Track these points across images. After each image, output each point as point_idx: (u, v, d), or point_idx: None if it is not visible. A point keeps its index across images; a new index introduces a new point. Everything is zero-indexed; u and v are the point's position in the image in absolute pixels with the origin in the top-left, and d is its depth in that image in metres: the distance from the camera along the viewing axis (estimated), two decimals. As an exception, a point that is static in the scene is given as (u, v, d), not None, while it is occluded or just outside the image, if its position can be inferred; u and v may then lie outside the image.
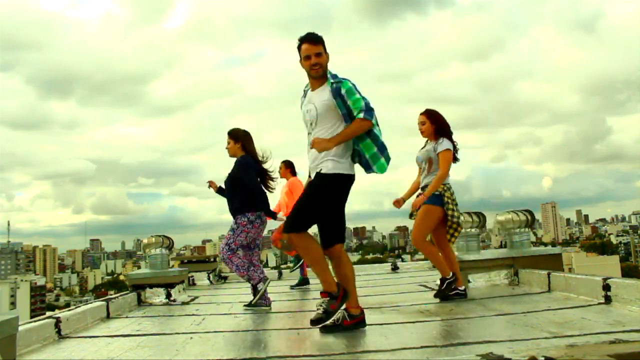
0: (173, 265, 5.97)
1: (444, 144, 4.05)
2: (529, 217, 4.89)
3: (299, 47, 3.04)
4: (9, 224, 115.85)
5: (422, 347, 2.51)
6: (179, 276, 5.14)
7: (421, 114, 4.20)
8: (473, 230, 4.95)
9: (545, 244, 70.26)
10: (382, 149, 3.05)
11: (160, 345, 2.95)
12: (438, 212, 4.00)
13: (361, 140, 3.01)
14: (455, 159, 4.14)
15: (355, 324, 3.00)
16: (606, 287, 3.22)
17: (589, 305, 3.24)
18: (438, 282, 4.12)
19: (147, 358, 2.65)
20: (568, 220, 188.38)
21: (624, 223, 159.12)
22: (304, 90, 3.23)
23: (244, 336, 3.12)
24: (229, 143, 4.51)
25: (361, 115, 2.91)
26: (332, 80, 3.01)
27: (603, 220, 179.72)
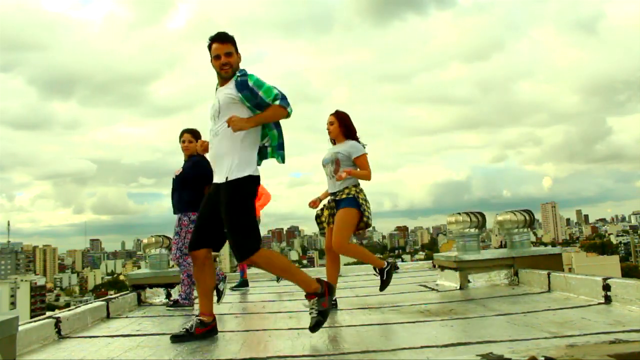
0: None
1: (359, 148, 3.99)
2: (529, 217, 4.89)
3: (209, 47, 3.01)
4: (9, 224, 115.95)
5: (422, 347, 2.51)
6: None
7: (331, 114, 4.14)
8: (473, 230, 4.95)
9: (545, 244, 70.29)
10: (281, 147, 3.08)
11: (160, 345, 2.95)
12: (357, 215, 3.92)
13: (269, 129, 3.04)
14: None
15: (207, 332, 3.00)
16: (606, 287, 3.22)
17: (589, 305, 3.24)
18: (379, 274, 4.04)
19: (147, 358, 2.65)
20: (568, 220, 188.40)
21: (624, 223, 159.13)
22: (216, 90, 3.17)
23: (244, 336, 3.12)
24: (190, 142, 4.51)
25: (277, 102, 2.90)
26: (237, 74, 2.98)
27: (603, 220, 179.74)
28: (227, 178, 2.89)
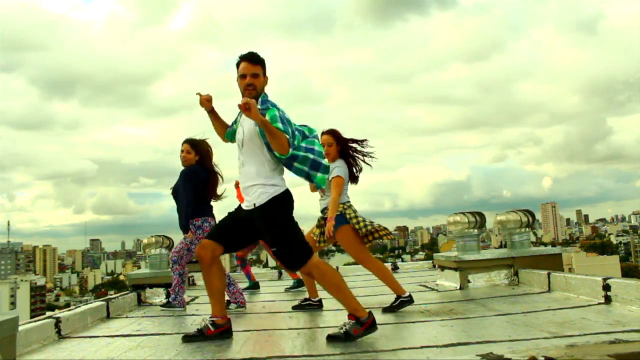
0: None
1: (336, 170, 3.93)
2: (529, 217, 4.89)
3: (238, 65, 2.98)
4: (9, 224, 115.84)
5: (422, 347, 2.51)
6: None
7: (327, 134, 4.03)
8: (473, 230, 4.94)
9: (545, 244, 70.24)
10: (315, 166, 2.98)
11: (160, 345, 2.95)
12: (350, 229, 3.90)
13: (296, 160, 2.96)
14: (354, 179, 4.07)
15: (219, 333, 2.99)
16: (606, 287, 3.22)
17: (589, 305, 3.24)
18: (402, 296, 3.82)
19: (147, 358, 2.65)
20: (568, 220, 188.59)
21: (624, 223, 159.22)
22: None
23: (244, 336, 3.12)
24: (188, 152, 4.49)
25: (286, 136, 2.80)
26: (259, 107, 2.86)
27: (603, 220, 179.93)
28: (254, 204, 2.90)
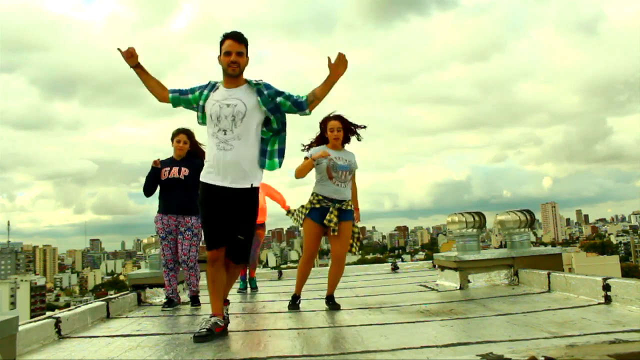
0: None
1: (356, 162, 4.11)
2: (529, 217, 4.89)
3: (222, 42, 3.00)
4: (9, 224, 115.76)
5: (422, 347, 2.51)
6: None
7: (335, 119, 4.03)
8: (473, 230, 4.94)
9: (545, 244, 70.24)
10: (281, 153, 3.11)
11: (160, 345, 2.94)
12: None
13: (276, 134, 3.07)
14: None
15: (222, 330, 3.07)
16: (606, 287, 3.22)
17: (589, 305, 3.24)
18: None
19: (147, 358, 2.64)
20: (568, 220, 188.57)
21: (624, 223, 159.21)
22: (212, 85, 3.12)
23: (243, 336, 3.12)
24: (185, 143, 4.54)
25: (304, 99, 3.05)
26: (255, 81, 3.04)
27: (603, 220, 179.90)
28: (252, 185, 2.96)
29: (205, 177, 3.05)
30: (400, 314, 3.58)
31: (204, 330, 2.97)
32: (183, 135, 4.56)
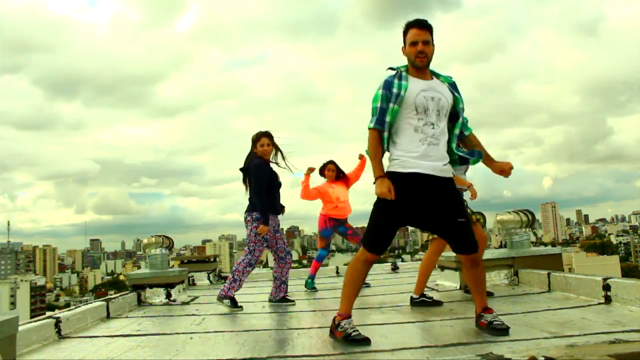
0: (173, 265, 5.96)
1: None
2: (529, 217, 4.88)
3: (405, 32, 2.80)
4: (9, 224, 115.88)
5: (422, 347, 2.51)
6: (179, 276, 5.14)
7: None
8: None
9: (545, 244, 70.19)
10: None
11: (160, 345, 2.95)
12: None
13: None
14: None
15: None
16: (606, 287, 3.22)
17: (589, 305, 3.24)
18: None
19: (147, 358, 2.65)
20: (568, 220, 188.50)
21: (624, 223, 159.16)
22: (396, 72, 2.85)
23: (244, 336, 3.12)
24: (269, 145, 4.46)
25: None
26: (444, 75, 2.89)
27: (603, 220, 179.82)
28: (453, 174, 2.86)
29: (405, 167, 2.75)
30: (400, 314, 3.58)
31: (358, 332, 2.71)
32: (265, 138, 4.46)
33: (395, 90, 2.75)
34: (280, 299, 4.45)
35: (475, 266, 2.84)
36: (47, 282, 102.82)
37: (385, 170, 2.77)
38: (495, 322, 2.72)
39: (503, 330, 2.65)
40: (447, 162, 2.82)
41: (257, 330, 3.37)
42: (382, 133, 2.77)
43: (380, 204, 2.78)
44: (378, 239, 2.80)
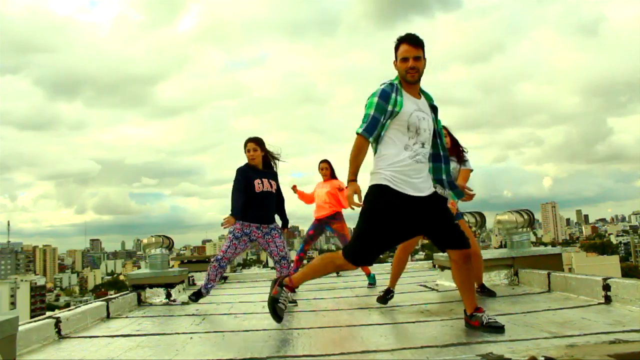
0: (173, 265, 5.96)
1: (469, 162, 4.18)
2: (529, 217, 4.88)
3: (397, 47, 2.84)
4: (9, 224, 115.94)
5: (422, 347, 2.51)
6: (179, 276, 5.14)
7: (445, 128, 4.07)
8: (473, 230, 4.94)
9: (545, 244, 70.19)
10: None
11: (160, 345, 2.95)
12: None
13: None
14: None
15: None
16: (606, 287, 3.22)
17: (589, 305, 3.24)
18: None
19: (147, 358, 2.65)
20: (568, 220, 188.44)
21: (624, 223, 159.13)
22: (392, 84, 2.84)
23: (244, 336, 3.12)
24: (255, 150, 4.46)
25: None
26: (429, 96, 2.96)
27: (603, 220, 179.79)
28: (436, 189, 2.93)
29: (396, 185, 2.76)
30: (400, 314, 3.58)
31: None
32: (252, 143, 4.45)
33: (390, 107, 2.77)
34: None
35: (467, 262, 2.84)
36: (47, 282, 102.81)
37: (372, 181, 2.83)
38: (490, 321, 2.74)
39: (499, 328, 2.67)
40: (431, 179, 2.91)
41: (257, 330, 3.37)
42: (369, 141, 2.79)
43: (368, 215, 2.81)
44: (361, 251, 2.85)
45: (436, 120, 2.94)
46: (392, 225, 2.77)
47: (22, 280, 70.98)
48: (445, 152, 2.97)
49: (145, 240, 5.41)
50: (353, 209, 2.79)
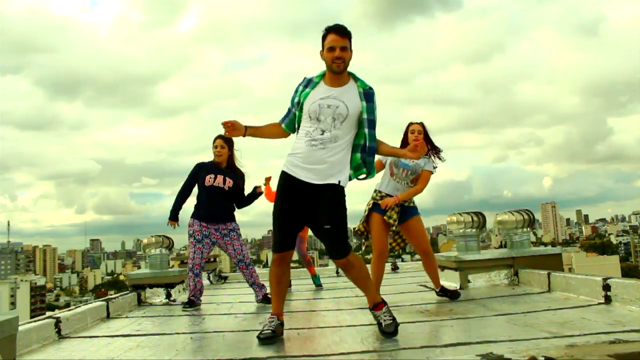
0: (173, 265, 5.96)
1: (429, 165, 4.04)
2: (529, 217, 4.88)
3: (324, 37, 2.86)
4: (8, 224, 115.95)
5: (422, 347, 2.51)
6: (179, 276, 5.13)
7: (417, 123, 4.07)
8: (473, 230, 4.94)
9: (545, 244, 70.20)
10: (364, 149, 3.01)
11: (160, 345, 2.94)
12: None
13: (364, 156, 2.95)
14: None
15: (282, 331, 2.98)
16: (606, 287, 3.22)
17: (589, 305, 3.24)
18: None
19: (147, 358, 2.65)
20: (568, 220, 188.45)
21: (624, 223, 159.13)
22: (310, 79, 2.97)
23: (244, 336, 3.12)
24: (223, 147, 4.49)
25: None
26: (363, 82, 2.93)
27: (603, 220, 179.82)
28: (339, 182, 2.86)
29: (289, 169, 2.89)
30: (400, 314, 3.57)
31: (269, 331, 2.85)
32: (220, 140, 4.46)
33: (297, 98, 2.95)
34: (261, 299, 4.47)
35: (347, 270, 2.93)
36: (47, 282, 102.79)
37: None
38: (385, 324, 2.81)
39: (390, 334, 2.75)
40: (332, 167, 2.85)
41: (257, 330, 3.36)
42: (282, 127, 3.04)
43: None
44: (274, 237, 2.95)
45: (370, 109, 2.90)
46: (286, 207, 2.89)
47: (22, 280, 71.00)
48: (372, 143, 2.91)
49: (145, 240, 5.41)
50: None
